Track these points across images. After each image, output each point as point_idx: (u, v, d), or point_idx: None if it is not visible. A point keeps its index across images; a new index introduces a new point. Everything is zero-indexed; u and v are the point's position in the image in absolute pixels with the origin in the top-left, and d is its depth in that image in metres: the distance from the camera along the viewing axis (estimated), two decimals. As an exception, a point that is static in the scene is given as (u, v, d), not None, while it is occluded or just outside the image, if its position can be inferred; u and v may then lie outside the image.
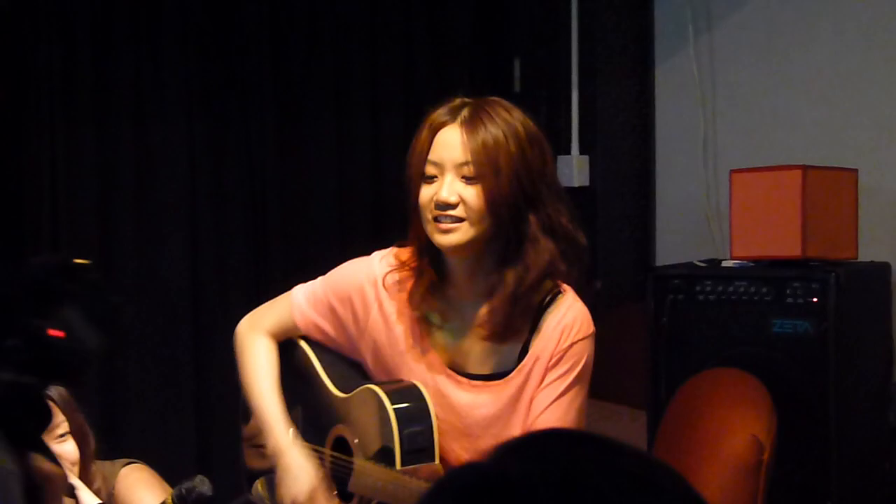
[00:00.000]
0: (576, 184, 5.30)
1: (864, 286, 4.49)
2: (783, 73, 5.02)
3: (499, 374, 2.88)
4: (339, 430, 3.00)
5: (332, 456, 3.00)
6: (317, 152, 5.09)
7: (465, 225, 2.79)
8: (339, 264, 3.09)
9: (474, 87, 5.29)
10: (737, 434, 3.48)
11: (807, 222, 4.36)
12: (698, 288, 4.49)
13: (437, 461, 2.84)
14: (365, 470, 2.89)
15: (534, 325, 2.84)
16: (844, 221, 4.50)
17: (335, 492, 2.99)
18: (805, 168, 4.40)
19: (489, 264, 2.83)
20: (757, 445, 3.44)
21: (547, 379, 2.83)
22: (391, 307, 2.93)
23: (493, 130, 2.77)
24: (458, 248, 2.82)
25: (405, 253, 2.94)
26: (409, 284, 2.93)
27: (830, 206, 4.47)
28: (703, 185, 5.16)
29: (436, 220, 2.82)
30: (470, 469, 1.22)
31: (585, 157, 5.34)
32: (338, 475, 2.98)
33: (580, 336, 2.84)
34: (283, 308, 3.06)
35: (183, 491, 2.82)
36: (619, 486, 1.16)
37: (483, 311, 2.86)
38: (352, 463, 2.94)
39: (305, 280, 3.11)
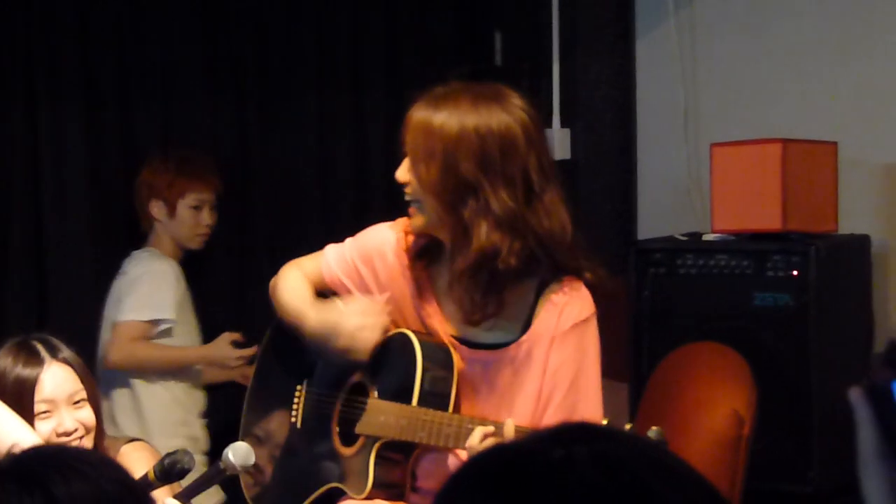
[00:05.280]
0: (557, 157, 5.30)
1: (844, 259, 4.51)
2: (764, 46, 5.02)
3: (499, 345, 2.92)
4: (359, 375, 3.06)
5: (345, 398, 3.04)
6: (298, 129, 5.07)
7: (421, 208, 2.90)
8: (323, 243, 3.20)
9: (456, 60, 5.32)
10: (717, 408, 3.50)
11: (787, 195, 4.37)
12: (679, 261, 4.50)
13: (450, 411, 2.88)
14: (378, 407, 2.97)
15: (533, 306, 2.90)
16: (824, 194, 4.51)
17: (337, 430, 3.03)
18: (785, 141, 4.41)
19: (450, 246, 2.94)
20: (737, 419, 3.45)
21: (553, 362, 2.87)
22: (407, 271, 3.02)
23: (439, 116, 2.85)
24: (424, 233, 2.96)
25: None
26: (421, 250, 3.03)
27: (810, 179, 4.49)
28: (684, 158, 5.17)
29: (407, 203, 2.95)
30: (509, 449, 1.23)
31: (566, 131, 5.34)
32: (348, 417, 3.03)
33: (579, 318, 2.89)
34: (314, 263, 3.16)
35: (165, 464, 2.85)
36: (656, 475, 1.18)
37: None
38: (365, 403, 2.98)
39: (290, 259, 3.22)
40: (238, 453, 2.85)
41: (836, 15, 4.85)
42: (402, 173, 2.92)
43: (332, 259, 3.13)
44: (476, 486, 1.21)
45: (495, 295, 2.88)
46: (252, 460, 2.88)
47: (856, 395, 1.33)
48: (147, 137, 4.83)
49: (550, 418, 2.85)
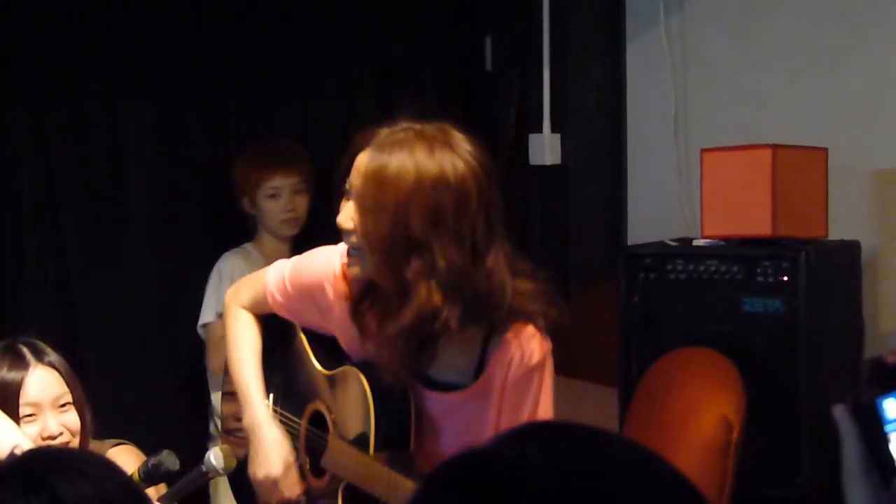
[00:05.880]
0: (547, 162, 5.30)
1: (834, 264, 4.50)
2: (754, 52, 5.02)
3: (454, 386, 2.86)
4: (318, 405, 3.01)
5: (307, 429, 3.01)
6: (289, 135, 5.06)
7: (361, 258, 2.74)
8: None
9: (446, 66, 5.32)
10: (706, 414, 3.49)
11: (777, 201, 4.36)
12: (669, 267, 4.49)
13: (410, 448, 2.84)
14: (338, 448, 2.91)
15: (482, 353, 2.81)
16: (814, 200, 4.51)
17: (308, 465, 3.01)
18: (775, 147, 4.41)
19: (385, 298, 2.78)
20: (726, 425, 3.44)
21: (506, 408, 2.81)
22: (351, 310, 2.89)
23: (393, 164, 2.67)
24: (364, 280, 2.79)
25: None
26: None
27: (801, 185, 4.48)
28: (675, 163, 5.17)
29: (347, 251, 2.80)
30: (476, 453, 1.22)
31: (557, 136, 5.34)
32: (312, 448, 3.00)
33: (528, 366, 2.79)
34: (259, 287, 3.07)
35: (150, 466, 2.84)
36: (621, 474, 1.17)
37: None
38: (325, 438, 2.95)
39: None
40: (220, 456, 2.85)
41: (826, 20, 4.85)
42: (346, 220, 2.76)
43: (274, 288, 3.02)
44: (442, 491, 1.21)
45: (429, 354, 2.78)
46: (234, 464, 2.88)
47: (839, 412, 1.32)
48: (132, 142, 4.82)
49: None
